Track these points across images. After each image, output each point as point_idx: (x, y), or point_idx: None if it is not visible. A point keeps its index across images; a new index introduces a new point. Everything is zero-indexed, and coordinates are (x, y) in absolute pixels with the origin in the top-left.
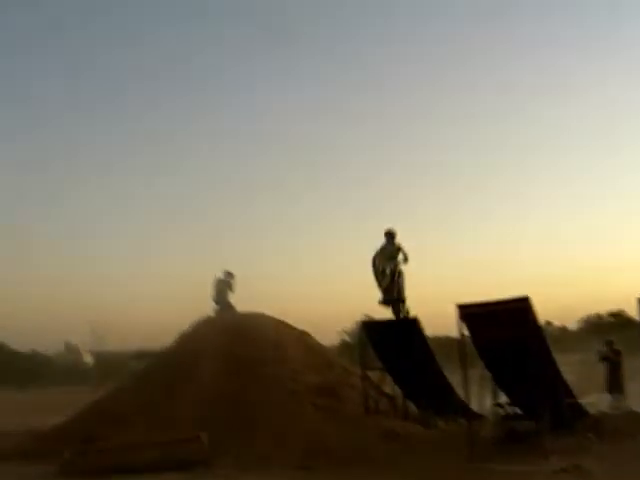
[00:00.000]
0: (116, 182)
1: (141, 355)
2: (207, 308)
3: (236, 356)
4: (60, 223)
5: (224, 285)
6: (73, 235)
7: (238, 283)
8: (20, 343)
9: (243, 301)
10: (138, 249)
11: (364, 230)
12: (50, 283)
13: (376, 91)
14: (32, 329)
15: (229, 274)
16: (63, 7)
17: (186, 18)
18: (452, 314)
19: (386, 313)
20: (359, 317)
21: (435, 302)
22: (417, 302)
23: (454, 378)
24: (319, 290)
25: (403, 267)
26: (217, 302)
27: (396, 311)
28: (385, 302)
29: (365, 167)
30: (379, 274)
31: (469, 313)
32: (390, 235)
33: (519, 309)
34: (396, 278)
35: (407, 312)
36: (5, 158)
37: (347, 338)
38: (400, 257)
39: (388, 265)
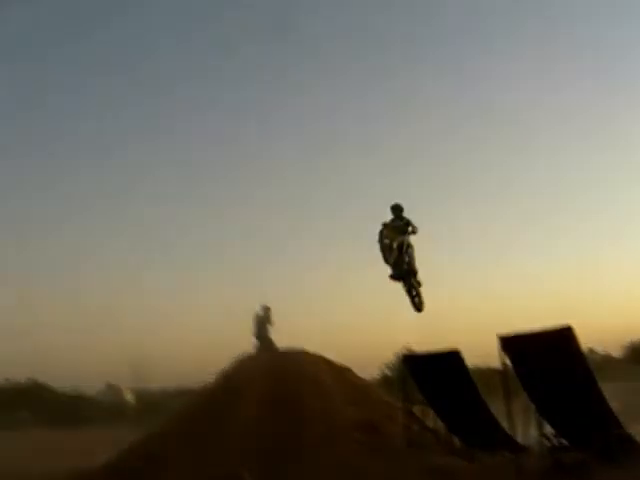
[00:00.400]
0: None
1: (182, 393)
2: (247, 344)
3: (277, 393)
4: (103, 266)
5: (263, 320)
6: (112, 278)
7: (278, 319)
8: (61, 383)
9: (283, 336)
10: (176, 288)
11: None
12: (90, 323)
13: None
14: (73, 369)
15: (266, 308)
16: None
17: None
18: (492, 344)
19: (427, 345)
20: (399, 350)
21: (475, 332)
22: (457, 333)
23: (497, 409)
24: (358, 323)
25: (412, 239)
26: (258, 337)
27: (408, 285)
28: (395, 277)
29: (407, 195)
30: (386, 249)
31: (511, 344)
32: (397, 209)
33: (562, 338)
34: (404, 250)
35: (419, 284)
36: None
37: (388, 372)
38: (409, 229)
39: (396, 239)
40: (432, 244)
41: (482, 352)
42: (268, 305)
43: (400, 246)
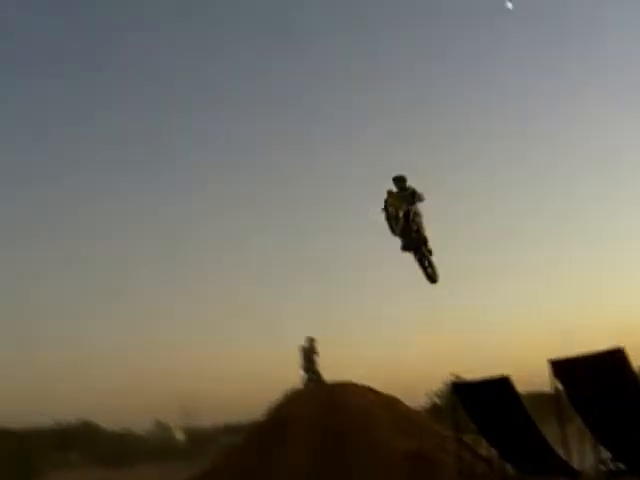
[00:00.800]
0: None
1: (232, 429)
2: (295, 376)
3: (326, 426)
4: (148, 302)
5: (309, 352)
6: (157, 313)
7: (325, 350)
8: (110, 422)
9: (330, 368)
10: (222, 322)
11: (446, 291)
12: (138, 361)
13: None
14: (122, 407)
15: (311, 339)
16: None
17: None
18: (542, 368)
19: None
20: (448, 377)
21: (525, 357)
22: (507, 358)
23: (551, 434)
24: (405, 353)
25: (419, 206)
26: (305, 370)
27: (419, 255)
28: (406, 247)
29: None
30: (392, 219)
31: (562, 368)
32: (400, 180)
33: (614, 360)
34: (411, 219)
35: (430, 252)
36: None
37: (437, 400)
38: (416, 197)
39: (402, 207)
40: (479, 269)
41: (530, 375)
42: (313, 336)
43: (406, 214)
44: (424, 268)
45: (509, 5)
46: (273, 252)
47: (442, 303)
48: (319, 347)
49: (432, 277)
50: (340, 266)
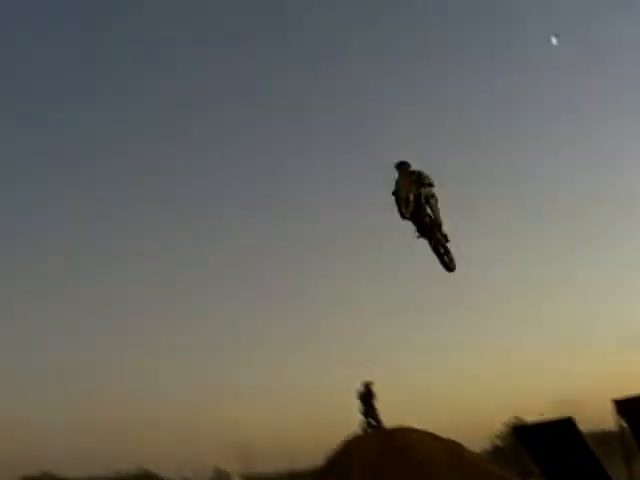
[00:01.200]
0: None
1: (293, 476)
2: (355, 420)
3: (388, 473)
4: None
5: (367, 396)
6: (215, 362)
7: (383, 394)
8: (169, 470)
9: (389, 412)
10: (277, 366)
11: (506, 336)
12: (196, 408)
13: None
14: (180, 455)
15: (368, 383)
16: None
17: None
18: (604, 405)
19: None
20: (508, 419)
21: (587, 395)
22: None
23: (617, 475)
24: (464, 394)
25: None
26: (365, 415)
27: (434, 241)
28: (420, 233)
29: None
30: (402, 202)
31: (627, 406)
32: (404, 164)
33: None
34: (423, 201)
35: (446, 238)
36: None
37: (498, 442)
38: (426, 181)
39: (412, 191)
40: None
41: (590, 413)
42: (370, 380)
43: (417, 197)
44: (440, 256)
45: (553, 40)
46: (324, 296)
47: (494, 344)
48: (378, 391)
49: (449, 265)
50: (390, 310)
